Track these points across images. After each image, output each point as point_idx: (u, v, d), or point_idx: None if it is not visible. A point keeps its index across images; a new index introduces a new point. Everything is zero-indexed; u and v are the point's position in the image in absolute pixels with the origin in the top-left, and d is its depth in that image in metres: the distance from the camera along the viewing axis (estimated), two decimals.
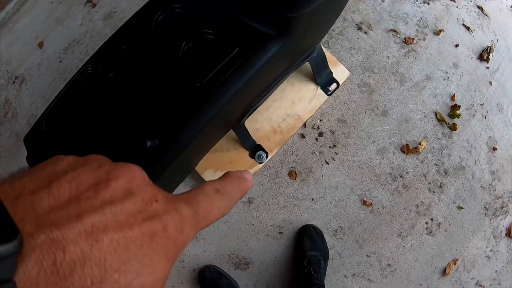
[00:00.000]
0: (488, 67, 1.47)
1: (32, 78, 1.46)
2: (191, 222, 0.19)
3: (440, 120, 1.34)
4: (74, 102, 0.86)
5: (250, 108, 1.02)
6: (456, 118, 1.35)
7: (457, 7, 1.53)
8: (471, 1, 1.57)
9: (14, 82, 1.46)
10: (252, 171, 1.15)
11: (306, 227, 1.17)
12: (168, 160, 0.80)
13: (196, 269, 1.19)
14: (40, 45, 1.52)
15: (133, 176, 0.18)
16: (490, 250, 1.35)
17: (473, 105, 1.41)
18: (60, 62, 1.47)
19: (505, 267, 1.37)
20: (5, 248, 0.12)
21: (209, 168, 1.14)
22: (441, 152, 1.32)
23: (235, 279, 1.16)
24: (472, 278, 1.32)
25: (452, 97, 1.38)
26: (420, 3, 1.48)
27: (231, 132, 1.10)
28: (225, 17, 0.85)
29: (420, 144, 1.30)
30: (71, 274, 0.14)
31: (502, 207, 1.37)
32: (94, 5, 1.57)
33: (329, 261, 1.19)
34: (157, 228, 0.17)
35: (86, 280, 0.14)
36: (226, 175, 0.24)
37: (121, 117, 0.82)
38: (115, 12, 1.55)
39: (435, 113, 1.34)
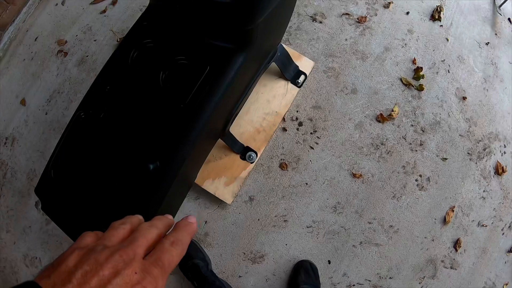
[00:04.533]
0: (441, 25, 1.57)
1: (22, 135, 1.55)
2: (161, 276, 0.31)
3: (407, 84, 1.44)
4: (75, 146, 0.97)
5: (231, 116, 1.13)
6: (421, 79, 1.45)
7: None
8: None
9: (5, 143, 1.55)
10: (246, 170, 1.26)
11: (303, 262, 1.25)
12: (171, 177, 0.91)
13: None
14: (23, 102, 1.61)
15: (117, 263, 0.30)
16: (484, 191, 1.44)
17: (435, 63, 1.51)
18: (46, 114, 1.57)
19: (502, 203, 1.45)
20: None
21: (207, 179, 1.25)
22: (414, 113, 1.42)
23: (254, 272, 1.26)
24: (473, 220, 1.41)
25: (413, 61, 1.48)
26: None
27: (220, 141, 1.22)
28: (192, 42, 0.96)
29: (393, 110, 1.40)
30: None
31: (484, 149, 1.46)
32: (65, 54, 1.67)
33: (336, 235, 1.29)
34: None
35: None
36: (176, 226, 0.37)
37: (121, 150, 0.93)
38: (87, 56, 1.64)
39: (401, 79, 1.44)
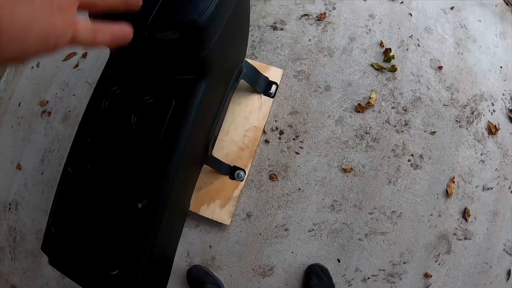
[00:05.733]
0: (402, 2, 1.57)
1: (24, 198, 1.60)
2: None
3: (379, 68, 1.44)
4: (69, 200, 1.01)
5: (208, 140, 1.16)
6: (392, 59, 1.45)
7: None
8: None
9: (9, 208, 1.61)
10: (238, 189, 1.28)
11: (312, 266, 1.26)
12: (160, 210, 0.94)
13: None
14: (19, 167, 1.66)
15: None
16: (481, 154, 1.42)
17: (403, 41, 1.50)
18: (42, 174, 1.62)
19: (503, 162, 1.43)
20: None
21: (202, 204, 1.28)
22: (393, 95, 1.42)
23: (267, 285, 1.28)
24: (477, 186, 1.39)
25: (381, 44, 1.48)
26: None
27: (207, 167, 1.24)
28: (156, 81, 0.99)
29: (370, 97, 1.40)
30: None
31: (472, 113, 1.44)
32: (49, 113, 1.73)
33: (340, 233, 1.30)
34: None
35: None
36: None
37: (110, 195, 0.97)
38: (69, 111, 1.70)
39: (372, 65, 1.45)
